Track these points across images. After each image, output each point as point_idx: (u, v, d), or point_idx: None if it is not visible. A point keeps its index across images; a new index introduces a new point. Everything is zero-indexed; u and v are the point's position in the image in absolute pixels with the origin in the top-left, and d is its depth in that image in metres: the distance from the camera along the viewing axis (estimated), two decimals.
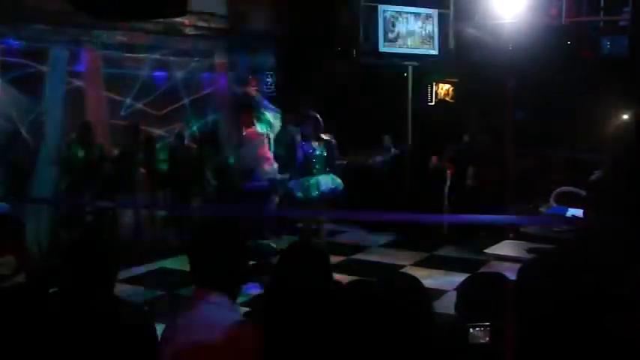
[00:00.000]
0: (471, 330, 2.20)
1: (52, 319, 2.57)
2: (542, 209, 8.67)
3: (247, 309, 2.86)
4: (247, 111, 7.85)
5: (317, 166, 7.65)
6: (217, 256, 2.56)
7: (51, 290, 2.82)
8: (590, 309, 1.73)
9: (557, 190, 8.64)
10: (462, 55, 10.28)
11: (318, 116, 7.71)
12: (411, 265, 8.85)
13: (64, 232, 8.28)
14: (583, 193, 6.78)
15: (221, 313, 2.46)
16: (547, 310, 1.78)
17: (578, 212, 6.67)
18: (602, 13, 9.80)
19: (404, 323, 1.97)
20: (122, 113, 9.90)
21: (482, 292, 2.51)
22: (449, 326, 2.41)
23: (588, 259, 2.01)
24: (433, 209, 9.70)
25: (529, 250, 7.50)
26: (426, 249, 9.47)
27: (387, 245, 9.91)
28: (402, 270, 8.43)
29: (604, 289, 1.79)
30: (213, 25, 10.72)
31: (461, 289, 2.70)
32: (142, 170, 9.60)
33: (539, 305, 1.82)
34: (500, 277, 2.66)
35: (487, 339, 2.17)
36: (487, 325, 2.24)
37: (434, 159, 10.25)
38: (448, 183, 10.14)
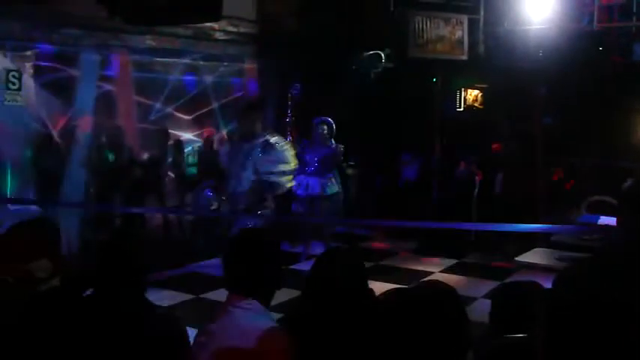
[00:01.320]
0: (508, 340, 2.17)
1: (85, 322, 2.59)
2: (574, 217, 8.55)
3: (280, 315, 2.84)
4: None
5: None
6: (251, 263, 2.57)
7: (85, 293, 2.84)
8: (630, 320, 1.69)
9: (589, 199, 8.52)
10: (492, 60, 10.20)
11: None
12: (440, 271, 8.79)
13: (93, 234, 8.34)
14: (615, 201, 6.66)
15: (254, 318, 2.47)
16: (586, 321, 1.74)
17: (611, 220, 6.57)
18: (634, 18, 9.65)
19: (442, 333, 1.95)
20: (152, 117, 9.98)
21: (518, 302, 2.48)
22: (484, 336, 2.38)
23: (626, 268, 1.96)
24: (461, 215, 9.63)
25: (559, 259, 7.39)
26: (454, 255, 9.41)
27: (414, 251, 9.86)
28: (430, 277, 8.38)
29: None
30: (242, 30, 10.76)
31: (496, 298, 2.67)
32: (171, 174, 9.65)
33: (578, 315, 1.78)
34: (536, 285, 2.63)
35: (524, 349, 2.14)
36: (524, 336, 2.21)
37: (462, 165, 10.19)
38: (476, 189, 10.06)
